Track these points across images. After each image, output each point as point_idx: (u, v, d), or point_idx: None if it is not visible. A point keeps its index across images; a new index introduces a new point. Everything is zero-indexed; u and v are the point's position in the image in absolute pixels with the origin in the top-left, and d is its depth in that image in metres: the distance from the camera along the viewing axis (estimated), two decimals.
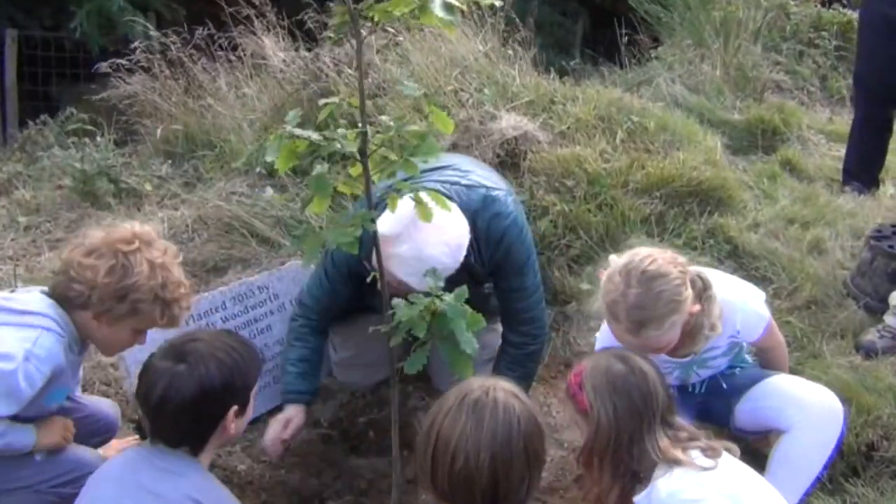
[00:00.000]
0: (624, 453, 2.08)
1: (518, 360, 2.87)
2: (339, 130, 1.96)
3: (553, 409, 3.19)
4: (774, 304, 3.62)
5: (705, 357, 2.57)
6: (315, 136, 1.92)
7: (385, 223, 2.40)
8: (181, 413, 1.92)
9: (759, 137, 5.13)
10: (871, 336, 3.39)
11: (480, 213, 2.65)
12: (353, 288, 2.75)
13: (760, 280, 3.76)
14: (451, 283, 2.60)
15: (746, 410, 2.60)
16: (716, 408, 2.69)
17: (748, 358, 2.78)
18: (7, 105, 5.54)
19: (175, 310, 2.24)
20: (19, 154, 4.63)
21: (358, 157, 1.99)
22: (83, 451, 2.36)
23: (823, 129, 5.62)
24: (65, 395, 2.33)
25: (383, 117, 2.07)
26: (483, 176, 2.83)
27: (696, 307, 2.33)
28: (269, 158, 1.94)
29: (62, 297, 2.19)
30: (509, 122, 4.12)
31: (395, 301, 2.01)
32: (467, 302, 2.08)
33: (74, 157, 4.13)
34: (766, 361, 2.77)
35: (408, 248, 2.43)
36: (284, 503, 2.71)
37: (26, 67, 5.51)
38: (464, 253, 2.55)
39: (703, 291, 2.37)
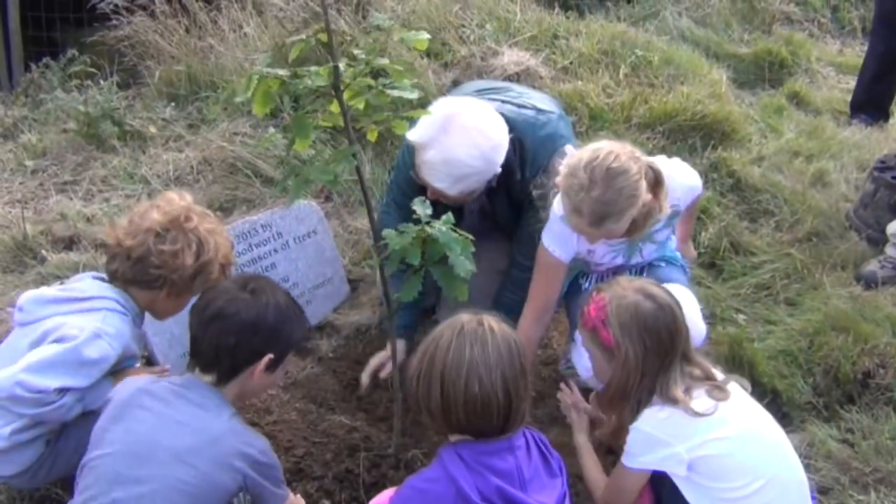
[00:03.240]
0: (643, 389, 2.09)
1: (522, 284, 2.88)
2: (313, 67, 1.94)
3: (554, 342, 3.23)
4: (776, 236, 3.64)
5: (651, 231, 2.62)
6: (283, 73, 1.90)
7: (414, 131, 2.43)
8: (228, 333, 1.94)
9: (767, 70, 5.08)
10: (872, 266, 3.41)
11: (530, 133, 2.64)
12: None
13: (762, 213, 3.77)
14: (489, 195, 2.69)
15: None
16: None
17: (678, 255, 2.89)
18: (12, 50, 5.50)
19: (230, 270, 2.39)
20: (23, 98, 4.62)
21: (332, 92, 1.97)
22: None
23: (833, 60, 5.54)
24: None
25: (356, 50, 2.05)
26: (538, 99, 2.86)
27: (649, 197, 2.38)
28: (239, 98, 1.94)
29: (134, 281, 2.25)
30: (511, 58, 4.10)
31: (386, 231, 2.02)
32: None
33: (78, 101, 4.14)
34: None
35: (434, 153, 2.44)
36: (293, 429, 2.77)
37: (29, 12, 5.47)
38: (500, 159, 2.54)
39: (655, 183, 2.42)
